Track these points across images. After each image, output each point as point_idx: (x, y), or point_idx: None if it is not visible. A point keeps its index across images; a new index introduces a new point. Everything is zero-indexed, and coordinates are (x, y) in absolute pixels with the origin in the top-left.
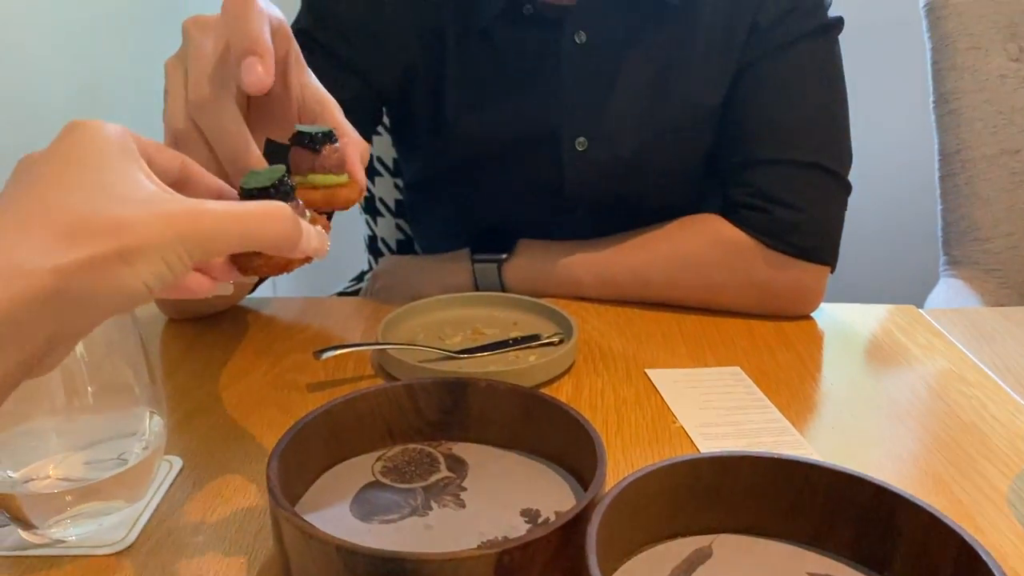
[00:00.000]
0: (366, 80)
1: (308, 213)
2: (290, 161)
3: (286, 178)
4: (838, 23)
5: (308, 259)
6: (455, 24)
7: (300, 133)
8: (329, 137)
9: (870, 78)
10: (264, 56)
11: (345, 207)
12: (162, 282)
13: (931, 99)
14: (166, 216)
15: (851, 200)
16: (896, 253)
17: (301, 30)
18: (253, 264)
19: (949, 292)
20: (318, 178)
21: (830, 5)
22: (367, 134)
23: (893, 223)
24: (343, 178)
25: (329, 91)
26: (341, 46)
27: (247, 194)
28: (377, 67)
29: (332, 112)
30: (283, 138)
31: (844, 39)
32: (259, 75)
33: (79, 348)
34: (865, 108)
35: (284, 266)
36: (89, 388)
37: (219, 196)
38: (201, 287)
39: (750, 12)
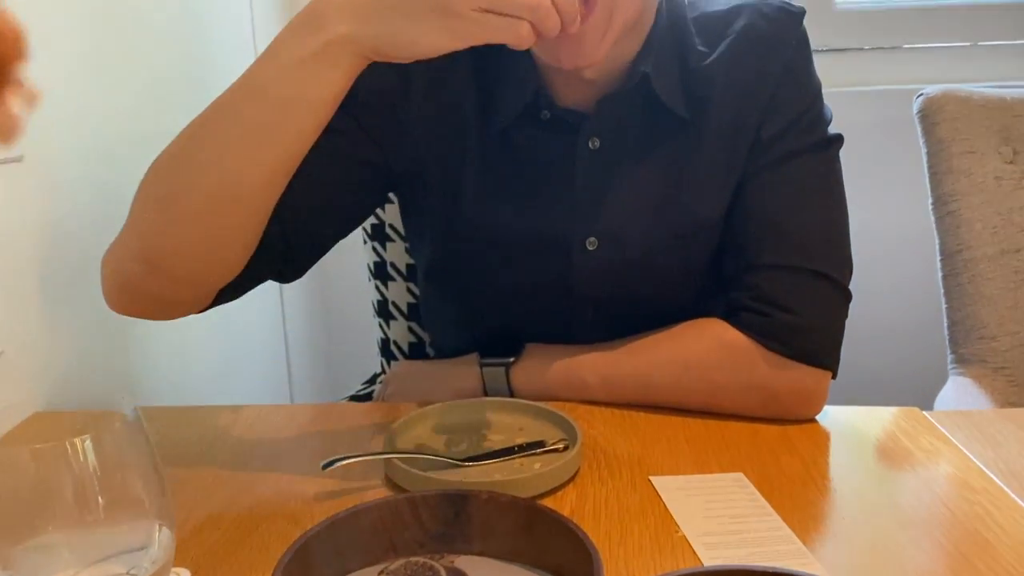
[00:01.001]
0: (383, 153)
1: None
2: None
3: None
4: (838, 139)
5: None
6: (476, 122)
7: None
8: None
9: (872, 178)
10: None
11: None
12: None
13: (930, 200)
14: None
15: (861, 298)
16: (907, 350)
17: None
18: None
19: (958, 391)
20: None
21: (830, 121)
22: (374, 205)
23: (903, 320)
24: None
25: (346, 152)
26: (366, 114)
27: None
28: (394, 145)
29: None
30: None
31: (848, 138)
32: None
33: (91, 460)
34: (868, 207)
35: None
36: (100, 500)
37: None
38: None
39: (753, 127)
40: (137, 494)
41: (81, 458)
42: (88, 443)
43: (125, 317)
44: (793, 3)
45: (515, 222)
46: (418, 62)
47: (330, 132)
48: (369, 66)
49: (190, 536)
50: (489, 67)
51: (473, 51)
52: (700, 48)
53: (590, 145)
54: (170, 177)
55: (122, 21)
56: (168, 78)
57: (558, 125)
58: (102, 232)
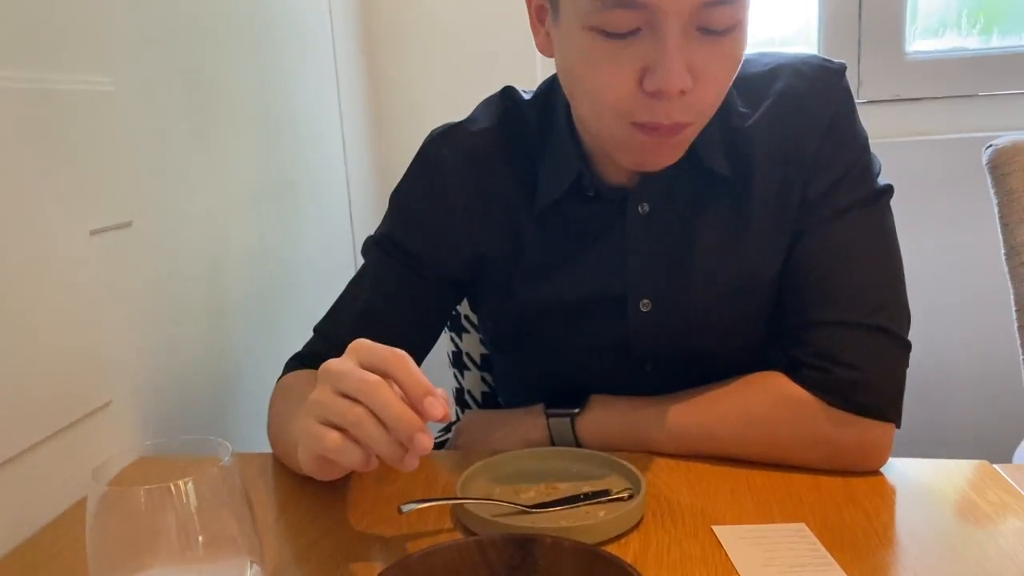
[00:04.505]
0: (440, 270)
1: None
2: None
3: None
4: (887, 190)
5: None
6: (525, 206)
7: None
8: None
9: (944, 226)
10: (440, 395)
11: None
12: None
13: (1002, 251)
14: None
15: (935, 348)
16: (983, 402)
17: (383, 235)
18: None
19: None
20: None
21: (879, 172)
22: (448, 314)
23: (979, 372)
24: None
25: (407, 286)
26: (416, 242)
27: None
28: (451, 258)
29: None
30: None
31: (922, 186)
32: (444, 410)
33: (193, 501)
34: (941, 256)
35: None
36: (200, 539)
37: None
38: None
39: (800, 187)
40: (232, 533)
41: (184, 499)
42: (190, 486)
43: (218, 369)
44: (834, 59)
45: (570, 290)
46: (453, 187)
47: (399, 297)
48: (408, 231)
49: (277, 574)
50: (530, 157)
51: (506, 150)
52: (741, 109)
53: (640, 210)
54: (276, 445)
55: (227, 103)
56: (264, 153)
57: (606, 198)
58: (201, 292)
